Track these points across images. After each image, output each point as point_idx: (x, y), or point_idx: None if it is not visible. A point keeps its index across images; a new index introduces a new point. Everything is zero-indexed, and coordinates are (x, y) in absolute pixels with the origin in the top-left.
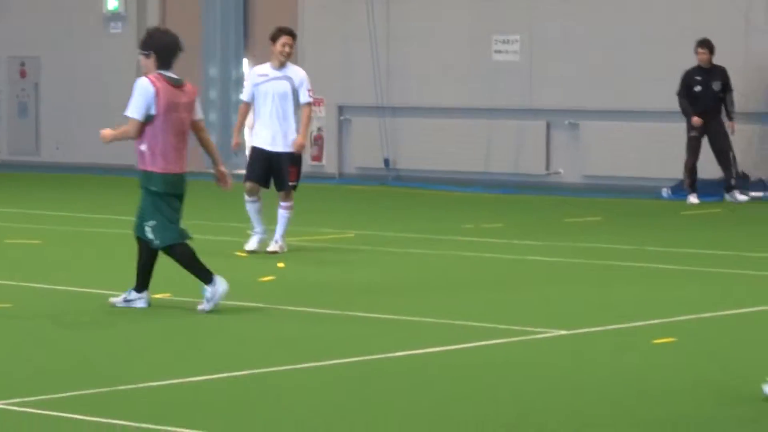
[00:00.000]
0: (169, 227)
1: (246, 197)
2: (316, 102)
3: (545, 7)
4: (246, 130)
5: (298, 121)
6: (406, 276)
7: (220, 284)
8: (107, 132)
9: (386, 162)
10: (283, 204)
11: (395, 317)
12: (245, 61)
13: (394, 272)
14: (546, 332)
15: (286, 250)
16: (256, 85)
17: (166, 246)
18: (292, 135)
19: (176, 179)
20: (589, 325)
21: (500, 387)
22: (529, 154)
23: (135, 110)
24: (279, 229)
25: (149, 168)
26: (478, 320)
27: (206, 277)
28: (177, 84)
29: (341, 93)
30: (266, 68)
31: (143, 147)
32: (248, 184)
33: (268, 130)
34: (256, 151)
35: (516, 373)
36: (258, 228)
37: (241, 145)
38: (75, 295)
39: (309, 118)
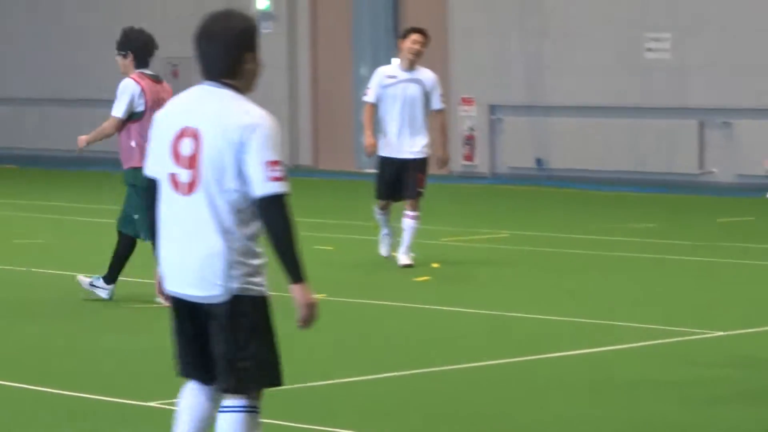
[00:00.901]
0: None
1: (377, 210)
2: (467, 101)
3: (697, 4)
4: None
5: (426, 128)
6: (561, 276)
7: (108, 292)
8: (82, 138)
9: (538, 162)
10: (409, 213)
11: (552, 318)
12: (395, 60)
13: (549, 272)
14: (704, 333)
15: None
16: (384, 87)
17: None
18: (422, 142)
19: None
20: (748, 326)
21: (665, 388)
22: (682, 154)
23: (119, 109)
24: (406, 240)
25: (138, 164)
26: (634, 321)
27: (115, 276)
28: (158, 80)
29: (493, 92)
30: (394, 69)
31: (133, 143)
32: (380, 203)
33: (395, 137)
34: (384, 162)
35: (685, 372)
36: (386, 230)
37: (375, 147)
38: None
39: (445, 127)
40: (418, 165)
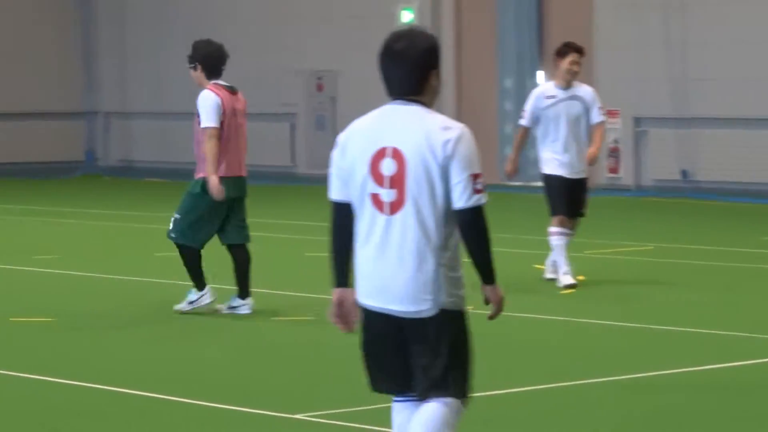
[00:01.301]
0: (192, 227)
1: (554, 230)
2: (612, 113)
3: None
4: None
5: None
6: (706, 289)
7: (207, 296)
8: (215, 181)
9: (684, 173)
10: (569, 232)
11: (697, 330)
12: (540, 73)
13: (694, 285)
14: None
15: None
16: (544, 108)
17: (177, 243)
18: (584, 161)
19: (230, 183)
20: None
21: None
22: None
23: (211, 119)
24: (562, 260)
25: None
26: None
27: (200, 283)
28: (233, 91)
29: (637, 104)
30: (551, 89)
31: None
32: (559, 218)
33: (566, 157)
34: (557, 180)
35: None
36: (566, 267)
37: (515, 172)
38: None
39: (602, 136)
40: (584, 186)
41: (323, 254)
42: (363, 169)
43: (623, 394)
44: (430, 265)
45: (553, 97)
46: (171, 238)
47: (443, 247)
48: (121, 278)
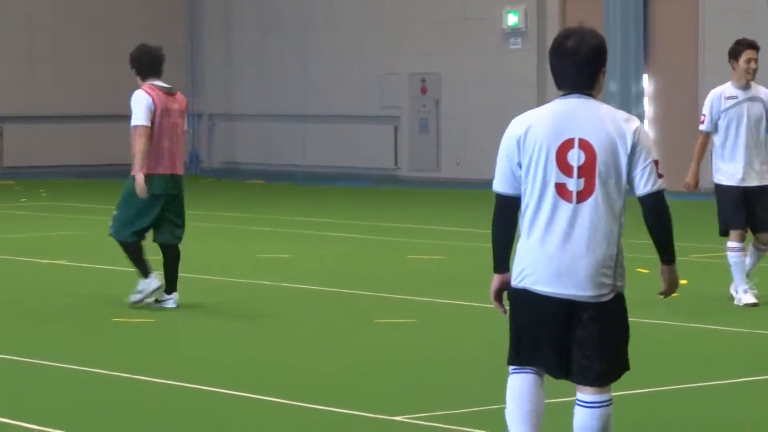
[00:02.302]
0: (128, 224)
1: (731, 246)
2: None
3: None
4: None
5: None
6: None
7: (153, 281)
8: (141, 180)
9: None
10: (763, 247)
11: None
12: (645, 76)
13: None
14: None
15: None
16: (725, 110)
17: (117, 239)
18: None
19: (163, 180)
20: None
21: None
22: None
23: (141, 118)
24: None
25: (146, 172)
26: None
27: (145, 271)
28: (170, 92)
29: None
30: (730, 89)
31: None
32: (734, 234)
33: (739, 163)
34: (727, 190)
35: None
36: (744, 285)
37: (696, 185)
38: (476, 310)
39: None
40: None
41: (426, 257)
42: (548, 160)
43: (729, 397)
44: (612, 249)
45: (734, 97)
46: (110, 234)
47: (620, 233)
48: (224, 279)
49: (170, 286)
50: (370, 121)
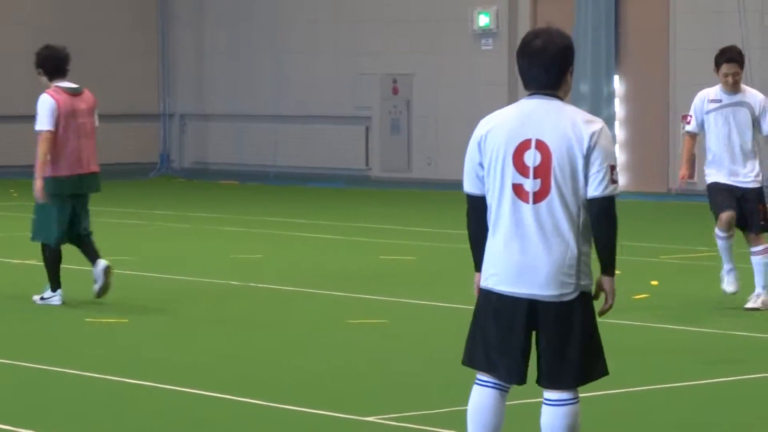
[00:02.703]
0: (44, 226)
1: (719, 232)
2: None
3: None
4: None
5: (756, 154)
6: None
7: (57, 299)
8: (39, 185)
9: None
10: (756, 249)
11: None
12: (616, 77)
13: None
14: None
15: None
16: (707, 112)
17: (37, 242)
18: (754, 170)
19: (70, 181)
20: None
21: None
22: None
23: (45, 123)
24: (759, 281)
25: (48, 174)
26: None
27: (54, 284)
28: (76, 92)
29: None
30: (716, 92)
31: (49, 156)
32: (724, 215)
33: (722, 167)
34: (715, 185)
35: None
36: (729, 264)
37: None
38: (447, 311)
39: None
40: (756, 196)
41: (397, 257)
42: (506, 160)
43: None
44: (573, 250)
45: (717, 101)
46: (32, 239)
47: (581, 232)
48: (195, 280)
49: (95, 256)
50: (342, 122)
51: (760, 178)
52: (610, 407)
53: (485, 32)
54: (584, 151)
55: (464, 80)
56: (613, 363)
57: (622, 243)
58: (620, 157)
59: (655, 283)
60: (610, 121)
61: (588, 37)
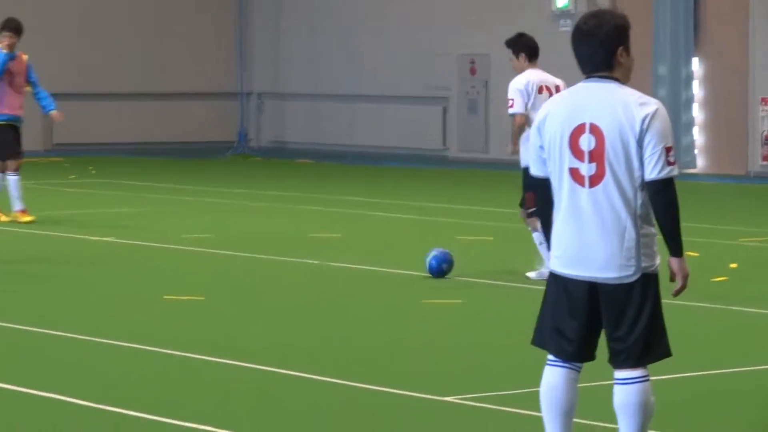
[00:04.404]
0: None
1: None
2: (767, 100)
3: None
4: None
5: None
6: None
7: None
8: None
9: None
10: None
11: None
12: (695, 59)
13: None
14: None
15: None
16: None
17: None
18: None
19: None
20: None
21: None
22: None
23: None
24: None
25: None
26: None
27: None
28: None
29: None
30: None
31: None
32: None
33: None
34: None
35: None
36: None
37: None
38: (524, 292)
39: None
40: None
41: (474, 238)
42: (562, 145)
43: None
44: (631, 232)
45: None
46: None
47: (640, 214)
48: (272, 258)
49: None
50: (420, 102)
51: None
52: (688, 390)
53: (563, 13)
54: (637, 134)
55: (541, 61)
56: (691, 345)
57: (701, 226)
58: (699, 139)
59: (734, 265)
60: (688, 103)
61: (667, 19)
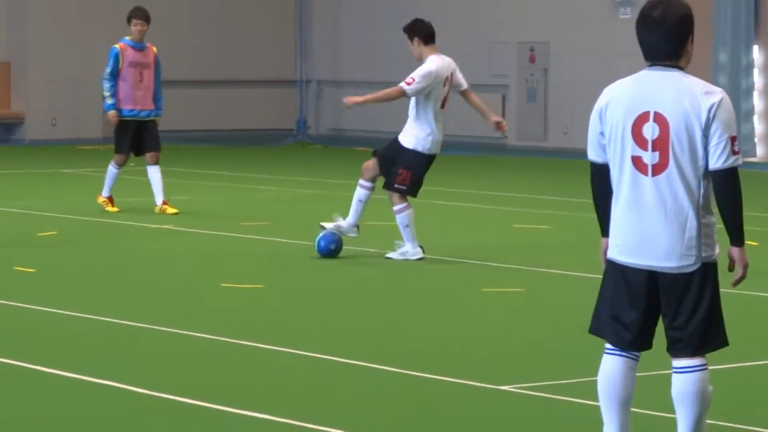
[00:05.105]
0: None
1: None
2: None
3: None
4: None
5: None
6: None
7: None
8: None
9: None
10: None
11: None
12: (755, 47)
13: None
14: None
15: None
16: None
17: None
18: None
19: None
20: None
21: None
22: None
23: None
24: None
25: None
26: None
27: None
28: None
29: None
30: None
31: None
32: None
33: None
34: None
35: None
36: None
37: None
38: (582, 280)
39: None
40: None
41: (532, 226)
42: (624, 132)
43: None
44: (693, 222)
45: None
46: None
47: (703, 205)
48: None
49: None
50: (479, 90)
51: None
52: (745, 379)
53: (623, 1)
54: (702, 124)
55: (601, 49)
56: (749, 335)
57: (761, 215)
58: (758, 127)
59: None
60: (749, 92)
61: (727, 7)
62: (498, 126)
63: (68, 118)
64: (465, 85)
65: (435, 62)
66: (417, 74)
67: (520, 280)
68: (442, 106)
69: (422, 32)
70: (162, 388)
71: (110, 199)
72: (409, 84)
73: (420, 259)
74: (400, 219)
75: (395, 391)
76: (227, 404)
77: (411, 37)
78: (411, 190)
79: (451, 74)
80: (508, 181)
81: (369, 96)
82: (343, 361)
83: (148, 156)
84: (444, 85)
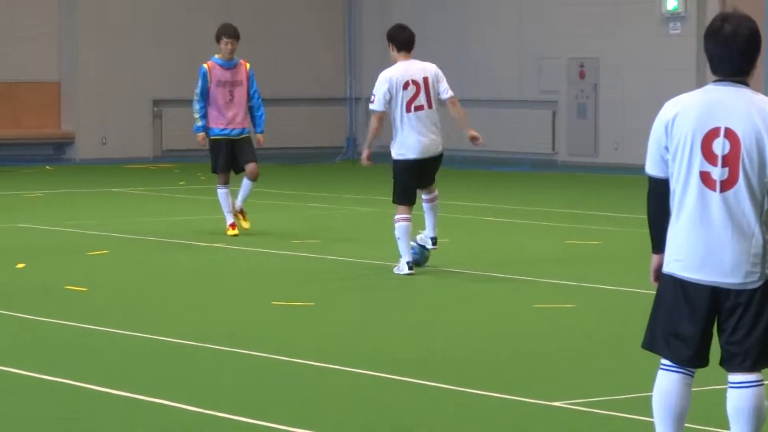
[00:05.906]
0: None
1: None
2: None
3: None
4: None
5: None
6: None
7: None
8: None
9: None
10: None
11: None
12: None
13: None
14: None
15: None
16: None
17: None
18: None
19: None
20: None
21: None
22: None
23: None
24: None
25: None
26: None
27: None
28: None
29: None
30: None
31: None
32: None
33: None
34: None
35: None
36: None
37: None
38: (634, 296)
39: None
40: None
41: (583, 242)
42: (693, 147)
43: None
44: (758, 238)
45: None
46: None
47: (767, 221)
48: (380, 263)
49: None
50: (528, 106)
51: None
52: None
53: (673, 16)
54: None
55: (651, 64)
56: None
57: None
58: None
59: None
60: None
61: None
62: (473, 140)
63: (118, 137)
64: (446, 95)
65: (392, 69)
66: (374, 89)
67: (572, 295)
68: (419, 108)
69: (396, 39)
70: (214, 406)
71: (242, 213)
72: (372, 102)
73: (409, 273)
74: (395, 230)
75: (449, 409)
76: (278, 422)
77: (389, 43)
78: (396, 198)
79: (424, 78)
80: (560, 197)
81: (368, 140)
82: (395, 378)
83: (247, 168)
84: (405, 88)
